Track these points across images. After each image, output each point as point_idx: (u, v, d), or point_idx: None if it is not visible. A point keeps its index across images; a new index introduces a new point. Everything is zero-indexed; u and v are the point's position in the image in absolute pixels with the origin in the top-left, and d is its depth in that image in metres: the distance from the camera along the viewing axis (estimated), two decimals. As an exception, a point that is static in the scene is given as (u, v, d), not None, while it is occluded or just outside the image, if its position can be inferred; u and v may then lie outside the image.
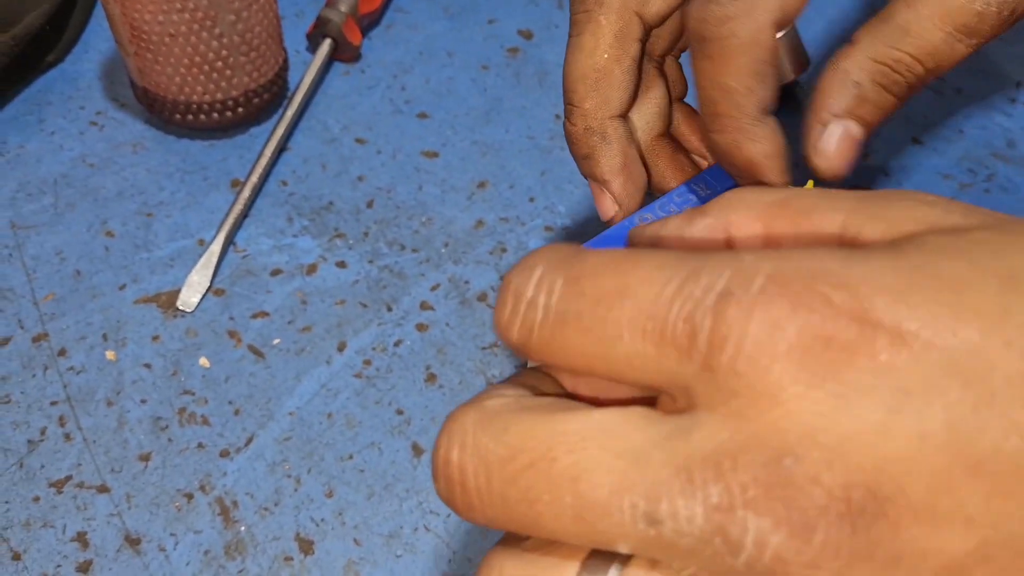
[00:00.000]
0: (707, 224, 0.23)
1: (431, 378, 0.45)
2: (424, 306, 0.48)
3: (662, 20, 0.34)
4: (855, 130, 0.32)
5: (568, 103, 0.34)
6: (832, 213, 0.21)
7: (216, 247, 0.48)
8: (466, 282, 0.49)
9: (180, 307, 0.47)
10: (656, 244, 0.25)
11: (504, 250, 0.50)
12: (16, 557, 0.39)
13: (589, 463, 0.18)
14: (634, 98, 0.35)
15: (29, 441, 0.41)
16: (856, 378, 0.17)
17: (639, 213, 0.33)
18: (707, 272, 0.19)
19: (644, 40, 0.34)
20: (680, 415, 0.19)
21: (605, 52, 0.33)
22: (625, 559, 0.19)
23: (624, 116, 0.34)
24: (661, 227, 0.24)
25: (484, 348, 0.46)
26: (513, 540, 0.21)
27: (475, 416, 0.20)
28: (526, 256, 0.22)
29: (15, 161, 0.53)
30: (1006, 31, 0.32)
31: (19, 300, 0.47)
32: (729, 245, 0.23)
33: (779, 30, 0.30)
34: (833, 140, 0.31)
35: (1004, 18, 0.31)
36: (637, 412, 0.19)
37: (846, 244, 0.21)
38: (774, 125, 0.31)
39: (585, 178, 0.36)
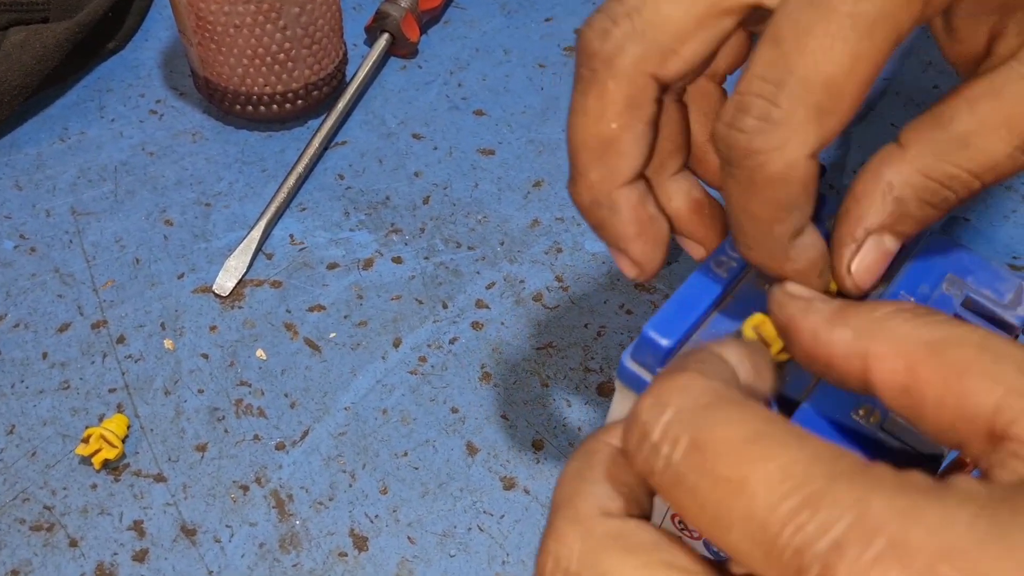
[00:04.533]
0: (846, 342, 0.22)
1: (486, 377, 0.45)
2: (480, 304, 0.48)
3: (684, 79, 0.28)
4: (890, 244, 0.28)
5: (573, 168, 0.29)
6: (989, 384, 0.20)
7: (256, 233, 0.48)
8: (521, 281, 0.49)
9: (215, 291, 0.47)
10: (789, 328, 0.24)
11: (560, 250, 0.50)
12: (73, 544, 0.39)
13: None
14: (649, 157, 0.29)
15: (87, 427, 0.42)
16: None
17: (714, 256, 0.31)
18: (827, 506, 0.18)
19: (661, 98, 0.29)
20: None
21: (613, 121, 0.28)
22: None
23: (638, 178, 0.30)
24: (801, 314, 0.24)
25: (539, 348, 0.46)
26: None
27: (580, 545, 0.21)
28: (664, 378, 0.22)
29: (76, 147, 0.53)
30: None
31: (79, 286, 0.47)
32: (865, 374, 0.22)
33: (816, 156, 0.26)
34: (866, 259, 0.28)
35: None
36: None
37: (994, 437, 0.20)
38: (807, 241, 0.27)
39: None
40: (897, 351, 0.21)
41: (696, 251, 0.33)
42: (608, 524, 0.21)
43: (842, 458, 0.19)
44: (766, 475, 0.19)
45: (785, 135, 0.24)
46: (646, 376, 0.29)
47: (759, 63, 0.25)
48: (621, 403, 0.31)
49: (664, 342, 0.28)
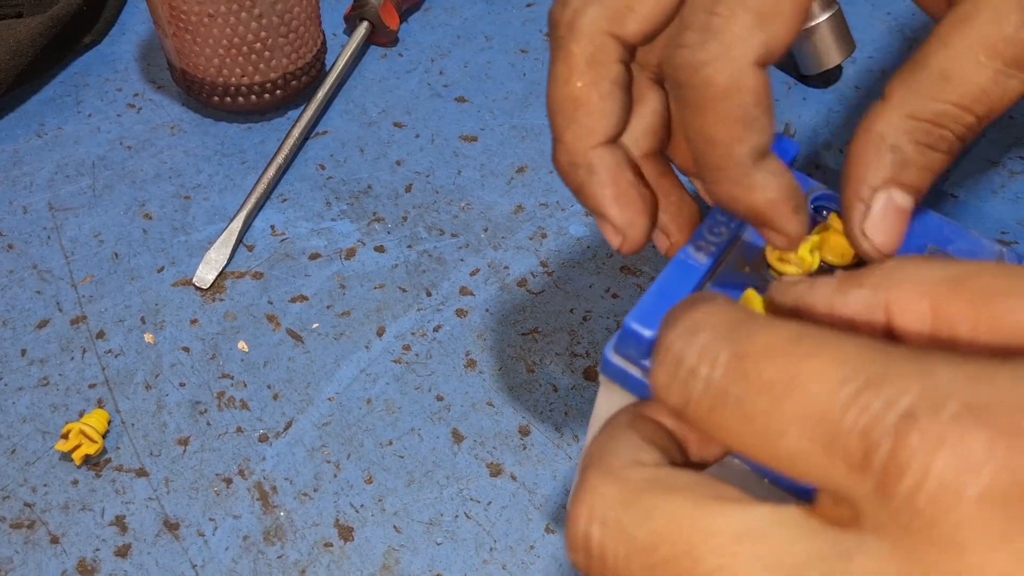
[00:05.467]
0: (863, 298, 0.21)
1: (471, 364, 0.44)
2: (464, 291, 0.47)
3: (646, 37, 0.29)
4: (900, 200, 0.26)
5: (553, 136, 0.30)
6: (1021, 301, 0.18)
7: (236, 225, 0.48)
8: (506, 267, 0.48)
9: (196, 284, 0.46)
10: (800, 313, 0.23)
11: (544, 235, 0.49)
12: (54, 540, 0.38)
13: (736, 570, 0.17)
14: (625, 120, 0.30)
15: (67, 423, 0.41)
16: None
17: (693, 241, 0.31)
18: (891, 382, 0.17)
19: (627, 60, 0.29)
20: (842, 529, 0.17)
21: (578, 80, 0.29)
22: None
23: (614, 141, 0.30)
24: (808, 292, 0.22)
25: (524, 334, 0.45)
26: None
27: (617, 492, 0.19)
28: (687, 309, 0.20)
29: (53, 143, 0.52)
30: None
31: (57, 282, 0.46)
32: (889, 326, 0.21)
33: (765, 67, 0.25)
34: (879, 218, 0.26)
35: None
36: (793, 515, 0.18)
37: None
38: (774, 168, 0.26)
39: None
40: (919, 293, 0.20)
41: (661, 242, 0.32)
42: (645, 471, 0.20)
43: (894, 346, 0.18)
44: (819, 367, 0.17)
45: (727, 42, 0.24)
46: (631, 370, 0.28)
47: None
48: (606, 397, 0.30)
49: (647, 333, 0.27)
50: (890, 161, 0.26)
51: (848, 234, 0.27)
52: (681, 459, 0.22)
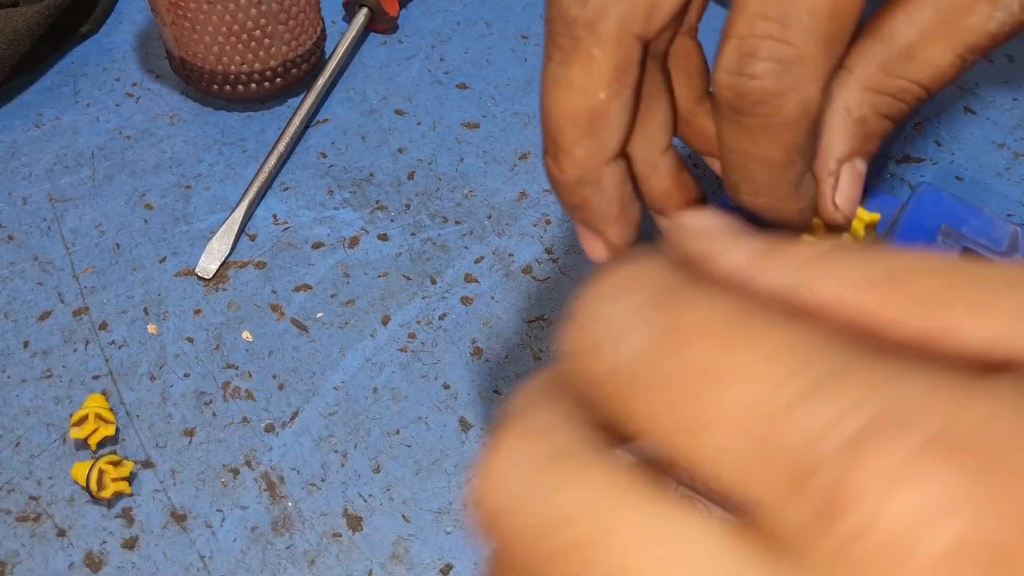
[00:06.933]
0: (782, 282, 0.16)
1: (477, 352, 0.44)
2: (468, 279, 0.47)
3: (666, 29, 0.27)
4: (860, 167, 0.27)
5: (555, 146, 0.27)
6: (981, 312, 0.14)
7: (238, 215, 0.47)
8: (510, 254, 0.48)
9: (198, 274, 0.46)
10: (702, 273, 0.18)
11: (548, 222, 0.49)
12: (61, 534, 0.38)
13: (648, 572, 0.14)
14: (632, 128, 0.28)
15: (71, 416, 0.41)
16: None
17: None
18: (849, 385, 0.13)
19: (644, 61, 0.27)
20: (773, 559, 0.13)
21: (601, 91, 0.26)
22: None
23: (622, 153, 0.28)
24: (714, 249, 0.18)
25: (530, 321, 0.45)
26: None
27: (532, 458, 0.16)
28: (616, 269, 0.17)
29: (51, 133, 0.52)
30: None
31: (59, 273, 0.46)
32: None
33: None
34: (847, 188, 0.27)
35: (1014, 33, 0.26)
36: (719, 530, 0.14)
37: (995, 368, 0.14)
38: (811, 180, 0.26)
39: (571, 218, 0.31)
40: (851, 289, 0.16)
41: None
42: (566, 441, 0.16)
43: (851, 340, 0.14)
44: (761, 355, 0.14)
45: (800, 74, 0.23)
46: None
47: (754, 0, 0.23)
48: None
49: None
50: (855, 133, 0.27)
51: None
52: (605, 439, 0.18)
